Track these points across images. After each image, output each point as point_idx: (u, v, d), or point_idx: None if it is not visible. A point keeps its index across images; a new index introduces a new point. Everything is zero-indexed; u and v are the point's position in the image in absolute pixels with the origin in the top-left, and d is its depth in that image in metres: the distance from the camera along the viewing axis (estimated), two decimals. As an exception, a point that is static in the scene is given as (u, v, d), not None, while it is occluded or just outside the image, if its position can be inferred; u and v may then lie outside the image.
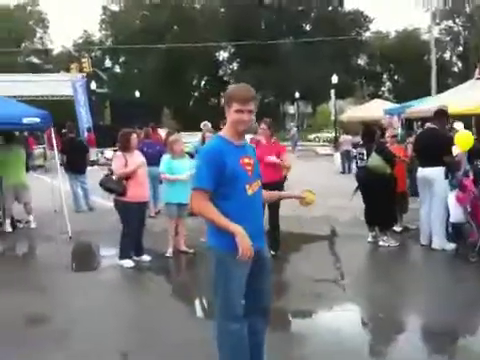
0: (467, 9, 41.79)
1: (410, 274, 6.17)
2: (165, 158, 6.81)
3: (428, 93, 26.73)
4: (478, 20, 40.19)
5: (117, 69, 50.29)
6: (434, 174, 6.79)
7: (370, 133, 7.47)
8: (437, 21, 36.74)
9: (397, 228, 7.68)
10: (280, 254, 6.52)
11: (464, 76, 38.53)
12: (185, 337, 4.19)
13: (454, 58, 45.43)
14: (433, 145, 6.85)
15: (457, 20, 43.07)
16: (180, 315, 4.83)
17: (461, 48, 44.22)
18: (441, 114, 7.00)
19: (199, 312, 5.12)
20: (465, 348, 4.18)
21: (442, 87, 29.34)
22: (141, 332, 4.34)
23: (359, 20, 46.65)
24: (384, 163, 6.96)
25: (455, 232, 6.79)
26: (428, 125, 7.13)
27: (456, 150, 6.73)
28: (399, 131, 13.53)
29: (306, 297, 5.24)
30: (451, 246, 6.73)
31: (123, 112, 26.81)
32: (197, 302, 5.34)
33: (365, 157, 7.17)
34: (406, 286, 5.77)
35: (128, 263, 6.35)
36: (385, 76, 49.97)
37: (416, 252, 7.06)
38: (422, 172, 6.99)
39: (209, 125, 9.36)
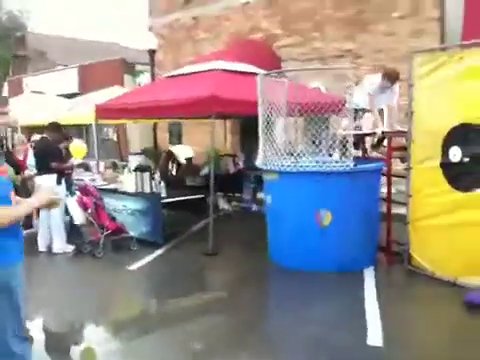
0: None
1: (36, 283, 6.07)
2: None
3: None
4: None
5: None
6: (46, 181, 7.17)
7: None
8: None
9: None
10: None
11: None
12: None
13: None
14: (45, 154, 7.26)
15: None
16: None
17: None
18: (55, 126, 7.46)
19: None
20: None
21: None
22: None
23: None
24: None
25: (76, 233, 7.39)
26: (42, 136, 7.47)
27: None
28: None
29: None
30: (70, 248, 7.27)
31: None
32: None
33: None
34: (37, 296, 5.35)
35: None
36: None
37: (40, 258, 7.14)
38: (38, 180, 7.26)
39: None
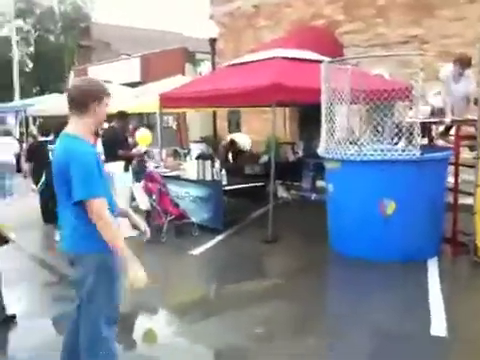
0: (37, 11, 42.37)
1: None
2: None
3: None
4: (48, 22, 41.42)
5: None
6: (114, 168, 7.45)
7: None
8: (8, 19, 35.91)
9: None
10: None
11: (36, 77, 39.58)
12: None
13: (25, 57, 45.33)
14: (113, 142, 7.52)
15: (28, 20, 42.98)
16: None
17: (32, 49, 44.51)
18: (122, 115, 7.71)
19: None
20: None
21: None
22: None
23: None
24: None
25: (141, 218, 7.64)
26: (110, 125, 7.75)
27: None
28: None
29: None
30: (135, 232, 7.49)
31: None
32: None
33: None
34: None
35: None
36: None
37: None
38: (106, 167, 7.54)
39: None
